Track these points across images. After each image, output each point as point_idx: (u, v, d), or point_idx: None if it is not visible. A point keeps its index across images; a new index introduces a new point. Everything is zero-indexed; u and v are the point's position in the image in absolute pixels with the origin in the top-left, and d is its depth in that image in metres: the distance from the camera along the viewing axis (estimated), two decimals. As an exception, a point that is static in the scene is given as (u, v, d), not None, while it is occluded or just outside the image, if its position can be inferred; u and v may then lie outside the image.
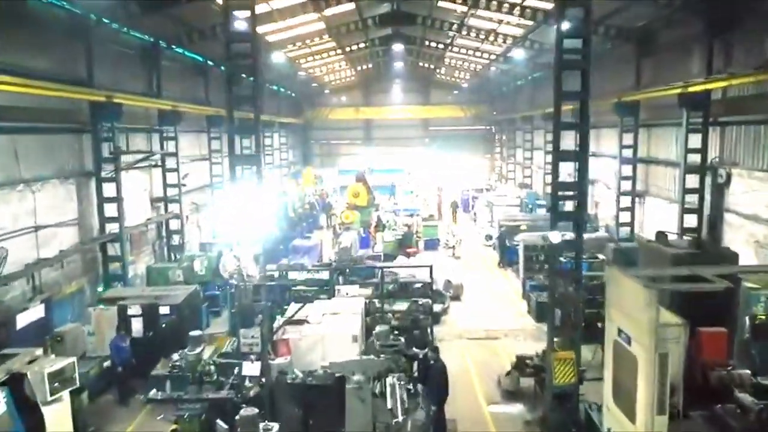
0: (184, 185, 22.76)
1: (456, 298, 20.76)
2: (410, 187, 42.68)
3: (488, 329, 17.75)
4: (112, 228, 17.77)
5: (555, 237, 11.14)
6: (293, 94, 49.25)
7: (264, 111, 38.96)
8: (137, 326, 14.41)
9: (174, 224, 23.01)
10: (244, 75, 12.64)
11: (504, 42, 27.77)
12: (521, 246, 22.52)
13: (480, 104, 52.39)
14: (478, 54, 33.72)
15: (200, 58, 26.40)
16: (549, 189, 33.73)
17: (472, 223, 37.04)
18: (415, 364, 11.59)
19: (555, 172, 11.81)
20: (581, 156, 11.54)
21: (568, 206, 12.38)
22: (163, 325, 14.36)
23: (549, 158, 33.05)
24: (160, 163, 22.27)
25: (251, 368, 10.74)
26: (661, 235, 11.89)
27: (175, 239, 22.95)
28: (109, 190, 17.50)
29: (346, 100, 52.91)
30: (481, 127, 53.80)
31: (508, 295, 21.90)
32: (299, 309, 12.89)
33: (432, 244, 29.78)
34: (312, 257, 23.93)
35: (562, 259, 13.56)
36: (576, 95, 11.52)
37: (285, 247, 25.42)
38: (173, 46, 23.08)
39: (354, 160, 54.21)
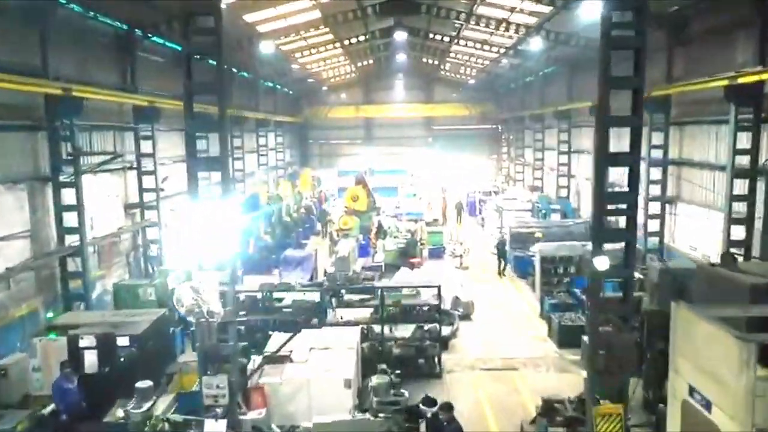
0: (163, 189, 20.47)
1: (466, 317, 18.44)
2: (413, 189, 40.29)
3: (504, 357, 15.44)
4: (72, 240, 15.50)
5: (601, 263, 8.81)
6: (290, 92, 46.97)
7: (259, 108, 36.80)
8: (91, 361, 12.10)
9: (152, 233, 20.75)
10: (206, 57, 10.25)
11: (516, 32, 25.44)
12: (537, 257, 20.22)
13: (486, 102, 50.10)
14: (486, 47, 31.40)
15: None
16: (563, 192, 31.59)
17: (479, 228, 34.74)
18: (423, 425, 9.26)
19: (600, 181, 9.39)
20: (634, 159, 9.12)
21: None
22: (122, 359, 12.06)
23: (563, 159, 30.78)
24: (135, 165, 20.02)
25: (215, 427, 8.46)
26: (727, 258, 9.58)
27: (154, 250, 20.69)
28: (69, 196, 15.23)
29: (346, 98, 50.65)
30: (487, 126, 51.49)
31: (523, 312, 19.59)
32: (284, 344, 10.64)
33: (437, 253, 27.46)
34: (305, 269, 21.64)
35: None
36: (627, 83, 9.10)
37: (277, 257, 23.15)
38: (151, 35, 20.80)
39: (354, 161, 52.02)
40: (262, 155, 36.64)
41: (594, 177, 9.49)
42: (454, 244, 27.38)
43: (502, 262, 24.86)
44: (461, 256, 25.58)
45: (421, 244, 27.17)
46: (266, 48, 24.07)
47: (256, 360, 10.46)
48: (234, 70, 30.81)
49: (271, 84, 40.05)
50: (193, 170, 9.84)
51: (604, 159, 9.26)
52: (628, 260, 9.27)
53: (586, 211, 28.33)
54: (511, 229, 25.14)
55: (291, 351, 10.99)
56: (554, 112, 30.74)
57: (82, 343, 12.14)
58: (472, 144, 51.79)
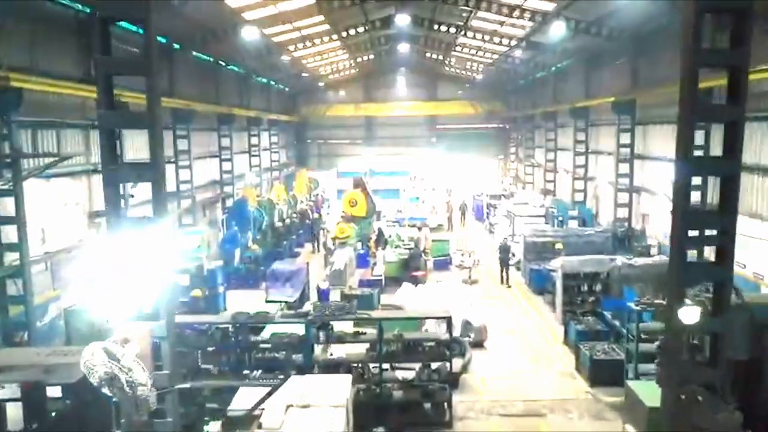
0: (133, 196, 18.01)
1: (478, 344, 15.95)
2: (416, 192, 37.78)
3: (527, 399, 12.94)
4: (13, 258, 13.07)
5: (690, 315, 6.29)
6: (286, 89, 44.52)
7: (251, 105, 34.37)
8: (15, 417, 9.66)
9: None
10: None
11: (531, 19, 22.95)
12: (559, 273, 17.73)
13: (493, 100, 47.61)
14: (495, 39, 28.90)
15: (163, 39, 21.71)
16: (579, 197, 29.05)
17: (487, 235, 32.27)
18: None
19: (681, 196, 6.78)
20: (731, 166, 6.58)
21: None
22: (53, 414, 9.60)
23: (579, 160, 28.28)
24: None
25: None
26: None
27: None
28: (7, 206, 12.80)
29: (345, 96, 48.18)
30: (494, 125, 48.98)
31: (544, 338, 17.07)
32: (258, 403, 8.20)
33: (442, 263, 24.99)
34: (295, 285, 19.16)
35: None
36: (722, 57, 6.57)
37: (267, 268, 20.73)
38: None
39: (354, 162, 49.60)
40: (254, 156, 34.20)
41: (673, 191, 6.86)
42: (462, 254, 24.87)
43: (505, 270, 22.78)
44: (470, 268, 23.08)
45: (425, 253, 24.71)
46: (251, 34, 21.55)
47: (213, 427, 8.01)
48: (221, 63, 28.36)
49: (264, 80, 37.60)
50: (112, 180, 7.32)
51: (688, 165, 6.65)
52: (720, 306, 6.72)
53: (605, 217, 25.85)
54: (526, 239, 22.65)
55: (262, 410, 8.53)
56: (570, 110, 28.23)
57: (2, 394, 9.69)
58: (479, 144, 49.25)
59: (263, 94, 38.23)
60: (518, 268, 24.31)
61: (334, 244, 25.42)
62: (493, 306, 19.69)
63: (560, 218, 25.86)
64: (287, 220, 29.41)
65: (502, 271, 22.76)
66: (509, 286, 22.47)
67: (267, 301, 18.35)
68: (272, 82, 39.08)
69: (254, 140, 34.11)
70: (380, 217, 35.06)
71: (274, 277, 19.38)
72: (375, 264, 23.05)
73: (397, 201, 42.01)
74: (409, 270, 21.98)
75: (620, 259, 17.45)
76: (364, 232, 27.88)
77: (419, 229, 25.92)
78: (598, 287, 17.73)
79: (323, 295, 19.88)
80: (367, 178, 49.15)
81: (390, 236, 25.37)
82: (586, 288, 17.77)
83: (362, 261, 25.60)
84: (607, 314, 15.50)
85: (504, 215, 28.44)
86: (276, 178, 39.99)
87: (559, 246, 20.45)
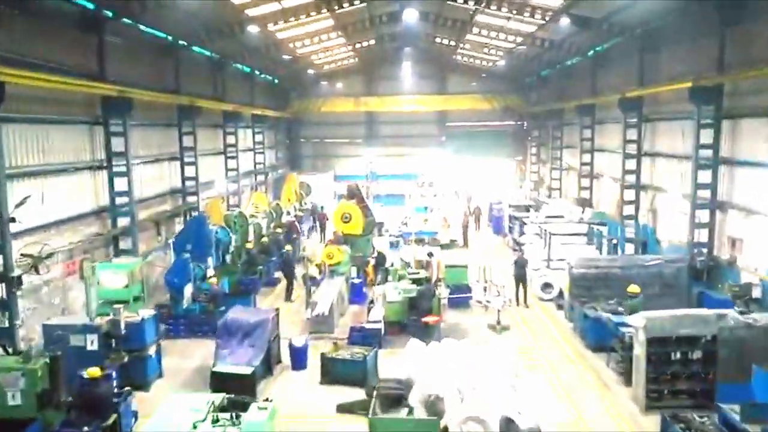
0: (14, 220, 12.43)
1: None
2: (424, 200, 31.95)
3: None
4: None
5: None
6: (275, 80, 38.92)
7: (227, 97, 28.76)
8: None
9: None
10: None
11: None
12: (640, 337, 12.05)
13: (510, 93, 41.87)
14: (525, 13, 23.19)
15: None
16: (628, 210, 23.12)
17: (511, 254, 26.62)
18: None
19: None
20: None
21: None
22: None
23: (630, 164, 22.62)
24: None
25: None
26: None
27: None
28: None
29: (344, 89, 42.52)
30: (511, 122, 43.24)
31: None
32: None
33: (460, 300, 19.31)
34: (258, 343, 13.55)
35: None
36: None
37: (228, 307, 15.19)
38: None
39: (353, 164, 44.13)
40: (230, 157, 28.59)
41: None
42: (486, 287, 19.19)
43: (522, 287, 19.30)
44: (499, 310, 17.33)
45: (438, 283, 19.02)
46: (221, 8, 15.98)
47: None
48: (183, 42, 22.76)
49: (245, 68, 32.01)
50: None
51: None
52: None
53: (666, 239, 20.15)
54: (573, 270, 16.96)
55: None
56: (620, 101, 22.47)
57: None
58: (494, 144, 43.49)
59: (244, 85, 32.66)
60: (559, 306, 18.68)
61: (320, 272, 19.83)
62: (534, 371, 14.03)
63: (612, 240, 20.05)
64: (266, 238, 23.80)
65: (517, 290, 19.27)
66: (527, 306, 19.04)
67: (213, 373, 12.83)
68: (256, 72, 33.45)
69: (231, 139, 28.49)
70: (381, 231, 29.51)
71: (226, 331, 13.76)
72: (373, 304, 17.39)
73: (402, 208, 36.47)
74: (417, 313, 16.32)
75: (732, 315, 11.80)
76: (362, 251, 22.36)
77: (429, 254, 20.15)
78: (695, 354, 12.10)
79: (298, 357, 14.37)
80: (368, 182, 43.81)
81: (392, 265, 19.65)
82: (678, 356, 12.12)
83: (357, 293, 20.09)
84: (734, 413, 9.82)
85: (536, 233, 22.75)
86: (261, 184, 34.39)
87: (634, 290, 14.72)
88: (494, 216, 32.59)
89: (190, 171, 23.02)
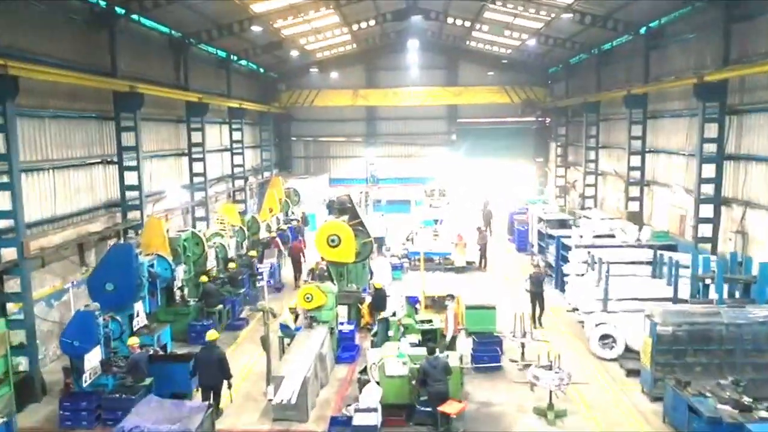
0: None
1: None
2: (434, 211, 26.33)
3: None
4: None
5: None
6: (260, 69, 33.61)
7: (192, 85, 23.38)
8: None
9: None
10: None
11: None
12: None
13: (532, 85, 36.44)
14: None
15: None
16: (704, 230, 16.44)
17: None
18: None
19: None
20: None
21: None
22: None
23: (708, 170, 17.18)
24: None
25: None
26: None
27: None
28: None
29: (340, 80, 37.11)
30: (531, 118, 37.76)
31: None
32: None
33: (489, 358, 13.90)
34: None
35: None
36: None
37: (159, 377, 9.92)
38: None
39: (352, 166, 38.94)
40: (196, 159, 23.24)
41: None
42: (522, 341, 13.79)
43: (539, 304, 16.81)
44: (553, 389, 11.82)
45: (456, 333, 13.61)
46: None
47: None
48: (121, 10, 17.44)
49: (219, 51, 26.69)
50: None
51: None
52: None
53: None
54: (659, 328, 11.56)
55: None
56: (696, 88, 17.01)
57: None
58: (512, 143, 37.94)
59: (217, 72, 27.31)
60: (630, 372, 13.28)
61: (296, 320, 14.51)
62: None
63: (703, 277, 14.41)
64: (233, 264, 18.44)
65: (534, 310, 16.74)
66: (541, 326, 16.52)
67: None
68: (233, 57, 28.08)
69: (196, 137, 23.12)
70: (382, 248, 24.22)
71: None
72: (366, 375, 12.00)
73: (407, 215, 31.19)
74: (431, 397, 10.92)
75: None
76: (353, 289, 17.11)
77: (448, 297, 14.63)
78: None
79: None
80: (368, 187, 38.49)
81: (394, 314, 14.18)
82: None
83: (347, 347, 14.77)
84: None
85: (584, 261, 17.28)
86: (240, 190, 29.04)
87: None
88: (517, 230, 27.14)
89: (131, 178, 17.65)
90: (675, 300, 14.84)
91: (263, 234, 23.09)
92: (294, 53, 30.71)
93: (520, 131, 38.43)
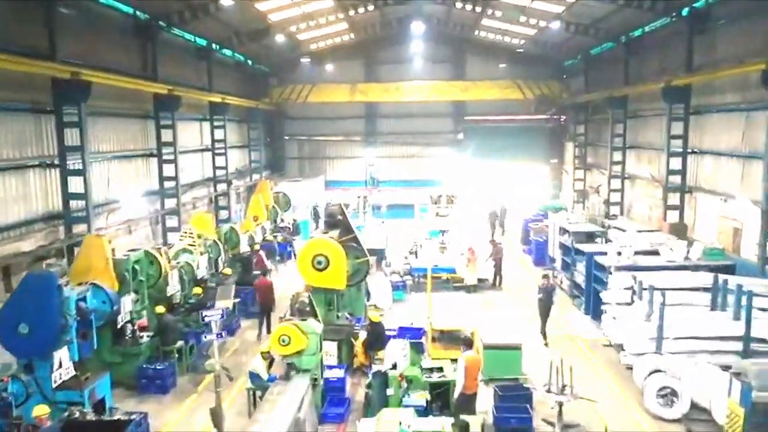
0: None
1: None
2: (443, 222, 23.00)
3: None
4: None
5: None
6: (249, 61, 30.54)
7: (161, 75, 20.15)
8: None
9: None
10: None
11: None
12: None
13: (546, 79, 33.32)
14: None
15: None
16: None
17: (569, 305, 18.15)
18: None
19: None
20: None
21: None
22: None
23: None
24: None
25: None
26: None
27: None
28: None
29: (337, 73, 34.01)
30: (544, 116, 34.65)
31: None
32: None
33: (516, 414, 10.75)
34: None
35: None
36: None
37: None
38: None
39: (350, 167, 35.98)
40: (166, 161, 20.15)
41: None
42: (559, 391, 10.66)
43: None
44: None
45: (471, 391, 10.47)
46: None
47: None
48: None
49: (198, 39, 23.64)
50: None
51: None
52: None
53: None
54: (757, 397, 8.46)
55: None
56: (763, 74, 13.90)
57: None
58: (524, 143, 34.87)
59: (197, 63, 24.24)
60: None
61: (269, 368, 11.42)
62: None
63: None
64: (199, 289, 15.35)
65: (544, 324, 15.19)
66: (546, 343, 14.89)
67: None
68: (214, 46, 25.00)
69: (167, 135, 20.03)
70: (382, 262, 21.17)
71: None
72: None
73: (411, 221, 28.09)
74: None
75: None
76: (345, 320, 14.07)
77: (466, 339, 11.47)
78: None
79: None
80: (368, 190, 35.47)
81: (394, 367, 10.99)
82: None
83: (335, 401, 11.62)
84: None
85: (627, 288, 14.13)
86: (221, 195, 25.94)
87: None
88: (534, 241, 24.01)
89: (76, 184, 14.57)
90: (747, 340, 11.80)
91: (244, 247, 19.97)
92: (283, 42, 27.63)
93: (532, 130, 35.35)
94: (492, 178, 34.79)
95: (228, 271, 17.26)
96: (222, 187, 25.65)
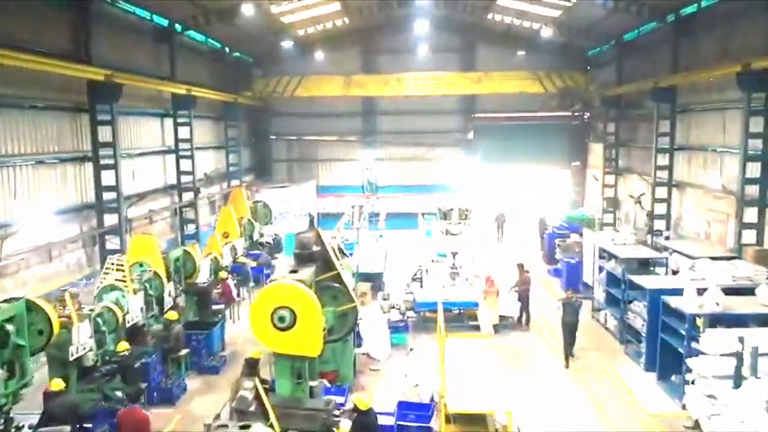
0: None
1: None
2: (454, 242, 18.38)
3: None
4: None
5: None
6: (225, 48, 26.36)
7: (96, 58, 15.43)
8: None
9: None
10: None
11: None
12: None
13: (569, 70, 29.07)
14: None
15: None
16: None
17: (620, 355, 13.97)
18: None
19: None
20: None
21: None
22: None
23: None
24: None
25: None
26: None
27: None
28: None
29: (330, 63, 29.75)
30: (566, 113, 30.39)
31: None
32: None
33: None
34: None
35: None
36: None
37: None
38: None
39: (345, 170, 31.99)
40: (105, 167, 15.88)
41: None
42: None
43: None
44: None
45: None
46: None
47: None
48: None
49: (155, 17, 19.44)
50: None
51: None
52: None
53: None
54: None
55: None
56: None
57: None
58: (542, 144, 30.68)
59: (156, 47, 20.04)
60: None
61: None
62: None
63: None
64: (126, 345, 11.13)
65: (567, 344, 13.45)
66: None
67: None
68: (176, 26, 20.77)
69: (105, 133, 15.78)
70: (379, 293, 17.10)
71: None
72: None
73: (414, 232, 23.96)
74: None
75: None
76: (312, 409, 9.84)
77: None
78: None
79: None
80: (366, 196, 31.35)
81: None
82: None
83: None
84: None
85: (728, 353, 9.86)
86: (186, 206, 21.70)
87: None
88: (565, 262, 19.73)
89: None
90: None
91: (204, 275, 15.73)
92: (265, 26, 23.46)
93: (551, 129, 31.11)
94: (504, 182, 30.94)
95: (173, 315, 13.01)
96: (189, 196, 21.42)
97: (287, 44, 26.82)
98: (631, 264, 14.96)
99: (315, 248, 10.47)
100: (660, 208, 20.86)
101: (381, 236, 23.78)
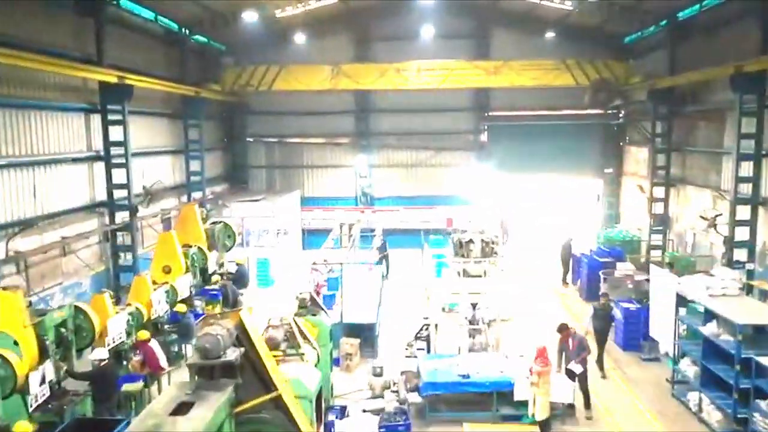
0: None
1: None
2: (470, 284, 13.27)
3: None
4: None
5: None
6: (184, 30, 21.35)
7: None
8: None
9: None
10: None
11: None
12: None
13: (603, 58, 24.09)
14: None
15: None
16: None
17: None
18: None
19: None
20: None
21: None
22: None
23: None
24: None
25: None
26: None
27: None
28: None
29: (316, 51, 24.79)
30: (601, 110, 25.39)
31: None
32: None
33: None
34: None
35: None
36: None
37: None
38: None
39: (336, 179, 27.21)
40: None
41: None
42: None
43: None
44: None
45: None
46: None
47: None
48: None
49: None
50: None
51: None
52: None
53: None
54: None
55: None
56: None
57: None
58: (568, 147, 25.77)
59: (76, 22, 15.07)
60: None
61: None
62: None
63: None
64: None
65: (601, 353, 12.64)
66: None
67: None
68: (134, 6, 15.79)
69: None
70: (377, 377, 12.04)
71: None
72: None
73: (417, 252, 19.07)
74: None
75: None
76: None
77: None
78: None
79: None
80: (361, 209, 26.46)
81: None
82: None
83: None
84: None
85: None
86: (120, 230, 16.58)
87: None
88: (623, 309, 14.65)
89: None
90: None
91: (113, 340, 10.68)
92: (244, 9, 18.47)
93: (579, 130, 26.22)
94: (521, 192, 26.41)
95: (25, 427, 7.96)
96: (123, 216, 16.37)
97: (263, 27, 21.80)
98: (745, 330, 9.95)
99: (232, 352, 5.44)
100: (742, 233, 15.83)
101: (375, 263, 18.73)
